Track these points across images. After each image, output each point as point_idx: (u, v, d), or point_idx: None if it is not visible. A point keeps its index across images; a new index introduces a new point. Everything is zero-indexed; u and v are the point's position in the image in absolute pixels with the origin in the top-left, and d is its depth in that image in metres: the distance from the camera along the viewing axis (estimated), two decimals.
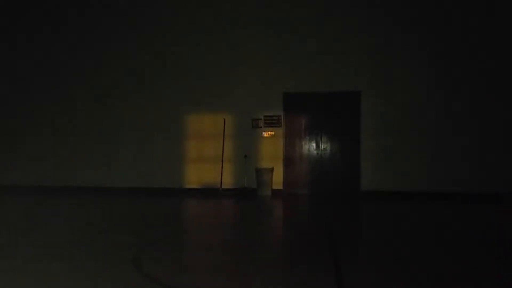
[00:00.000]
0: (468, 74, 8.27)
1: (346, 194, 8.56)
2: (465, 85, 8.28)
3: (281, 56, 8.84)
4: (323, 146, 8.79)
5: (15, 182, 9.43)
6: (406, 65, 8.45)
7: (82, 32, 9.50)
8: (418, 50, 8.43)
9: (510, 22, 8.18)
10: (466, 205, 7.54)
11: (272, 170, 8.65)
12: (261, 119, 8.86)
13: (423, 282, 3.27)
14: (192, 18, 9.14)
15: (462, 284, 3.22)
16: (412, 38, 8.46)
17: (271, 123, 8.84)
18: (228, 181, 8.93)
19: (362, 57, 8.58)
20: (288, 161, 8.87)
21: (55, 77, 9.54)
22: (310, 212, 7.32)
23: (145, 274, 3.37)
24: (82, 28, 9.50)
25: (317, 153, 8.81)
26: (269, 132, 8.86)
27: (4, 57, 9.81)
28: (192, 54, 9.11)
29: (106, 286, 3.11)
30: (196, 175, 9.04)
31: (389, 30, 8.53)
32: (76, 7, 9.55)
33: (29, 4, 9.69)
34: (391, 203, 7.74)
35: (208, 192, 8.86)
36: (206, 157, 9.01)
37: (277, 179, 8.75)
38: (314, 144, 8.82)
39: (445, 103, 8.32)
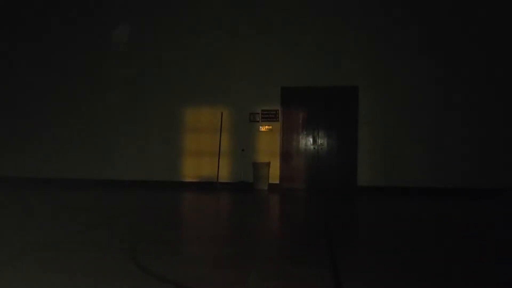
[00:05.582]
0: (468, 70, 8.29)
1: (342, 189, 8.60)
2: (464, 81, 8.30)
3: (280, 51, 8.82)
4: (320, 141, 8.81)
5: (13, 174, 9.41)
6: (404, 60, 8.46)
7: (83, 29, 9.45)
8: (417, 46, 8.44)
9: (511, 19, 8.19)
10: (464, 201, 7.59)
11: (269, 164, 8.67)
12: (258, 113, 8.86)
13: (419, 275, 3.30)
14: (191, 14, 9.10)
15: (459, 279, 3.26)
16: (411, 33, 8.46)
17: (269, 117, 8.84)
18: (225, 175, 8.95)
19: (361, 52, 8.58)
20: (285, 155, 8.89)
21: (56, 73, 9.50)
22: (307, 207, 7.34)
23: (142, 267, 3.38)
24: (82, 26, 9.45)
25: (314, 148, 8.83)
26: (267, 127, 8.87)
27: (4, 56, 9.76)
28: (191, 49, 9.07)
29: (103, 279, 3.12)
30: (193, 169, 9.05)
31: (388, 25, 8.52)
32: (77, 5, 9.49)
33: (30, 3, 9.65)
34: (388, 198, 7.78)
35: (205, 186, 8.88)
36: (204, 150, 9.01)
37: (274, 174, 8.77)
38: (311, 139, 8.84)
39: (443, 99, 8.34)
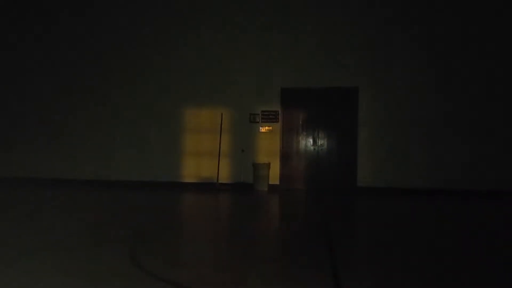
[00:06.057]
0: (468, 70, 8.29)
1: (342, 190, 8.59)
2: (464, 81, 8.30)
3: (280, 52, 8.83)
4: (320, 141, 8.81)
5: (12, 174, 9.42)
6: (404, 61, 8.46)
7: (82, 29, 9.46)
8: (416, 47, 8.44)
9: (510, 19, 8.19)
10: (464, 201, 7.58)
11: (269, 165, 8.67)
12: (258, 114, 8.87)
13: (419, 275, 3.30)
14: (191, 14, 9.11)
15: (453, 276, 3.26)
16: (411, 34, 8.46)
17: (269, 118, 8.84)
18: (225, 176, 8.95)
19: (360, 53, 8.58)
20: (285, 156, 8.89)
21: (55, 73, 9.52)
22: (307, 208, 7.34)
23: (142, 267, 3.38)
24: (82, 25, 9.47)
25: (314, 149, 8.83)
26: (267, 127, 8.87)
27: (4, 55, 9.77)
28: (191, 50, 9.09)
29: (102, 280, 3.12)
30: (193, 169, 9.05)
31: (388, 25, 8.53)
32: (77, 5, 9.51)
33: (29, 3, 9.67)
34: (388, 199, 7.77)
35: (205, 186, 8.87)
36: (204, 151, 9.01)
37: (274, 174, 8.77)
38: (311, 140, 8.84)
39: (443, 100, 8.34)
